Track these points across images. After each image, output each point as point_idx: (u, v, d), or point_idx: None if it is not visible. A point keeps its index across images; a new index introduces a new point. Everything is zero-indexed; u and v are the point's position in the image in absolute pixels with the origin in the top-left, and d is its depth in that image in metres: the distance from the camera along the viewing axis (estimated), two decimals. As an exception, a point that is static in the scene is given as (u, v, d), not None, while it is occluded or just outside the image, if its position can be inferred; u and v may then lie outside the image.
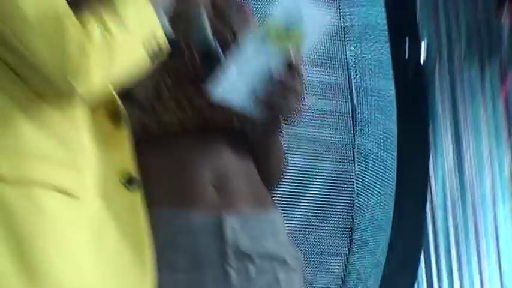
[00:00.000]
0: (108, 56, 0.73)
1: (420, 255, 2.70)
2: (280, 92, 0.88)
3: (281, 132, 1.00)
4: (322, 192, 2.56)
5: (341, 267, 2.57)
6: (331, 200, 2.58)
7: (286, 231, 1.00)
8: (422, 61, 2.74)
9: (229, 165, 0.94)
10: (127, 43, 0.75)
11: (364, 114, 2.63)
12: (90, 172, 0.77)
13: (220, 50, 0.87)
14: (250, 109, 0.88)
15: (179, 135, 0.93)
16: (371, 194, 2.62)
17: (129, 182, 0.81)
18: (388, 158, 2.62)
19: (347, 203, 2.58)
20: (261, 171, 0.98)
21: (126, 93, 0.84)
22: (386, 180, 2.61)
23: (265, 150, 0.99)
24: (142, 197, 0.82)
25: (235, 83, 0.85)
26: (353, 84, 2.64)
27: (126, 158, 0.82)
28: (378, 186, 2.61)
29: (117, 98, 0.82)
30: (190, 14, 0.87)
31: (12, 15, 0.70)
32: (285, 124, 0.97)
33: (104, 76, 0.74)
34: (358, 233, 2.61)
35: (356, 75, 2.66)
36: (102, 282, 0.75)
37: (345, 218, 2.60)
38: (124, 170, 0.81)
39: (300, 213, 2.49)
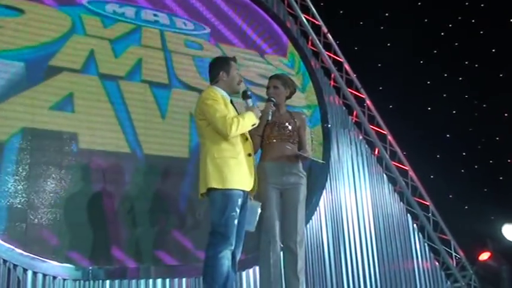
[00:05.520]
0: (239, 126, 3.48)
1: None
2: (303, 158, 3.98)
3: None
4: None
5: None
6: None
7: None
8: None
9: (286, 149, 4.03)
10: (245, 123, 3.55)
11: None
12: (240, 151, 3.56)
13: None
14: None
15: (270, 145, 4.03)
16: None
17: (249, 155, 3.62)
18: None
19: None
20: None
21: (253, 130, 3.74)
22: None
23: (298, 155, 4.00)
24: (254, 159, 3.71)
25: None
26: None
27: (249, 148, 3.65)
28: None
29: (246, 133, 3.70)
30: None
31: (213, 116, 3.47)
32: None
33: (238, 131, 3.49)
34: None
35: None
36: (243, 177, 3.52)
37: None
38: (248, 151, 3.63)
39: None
